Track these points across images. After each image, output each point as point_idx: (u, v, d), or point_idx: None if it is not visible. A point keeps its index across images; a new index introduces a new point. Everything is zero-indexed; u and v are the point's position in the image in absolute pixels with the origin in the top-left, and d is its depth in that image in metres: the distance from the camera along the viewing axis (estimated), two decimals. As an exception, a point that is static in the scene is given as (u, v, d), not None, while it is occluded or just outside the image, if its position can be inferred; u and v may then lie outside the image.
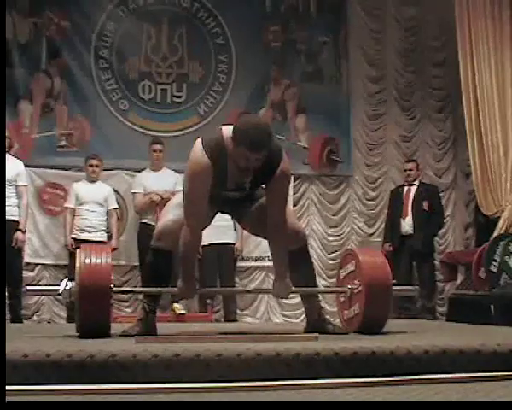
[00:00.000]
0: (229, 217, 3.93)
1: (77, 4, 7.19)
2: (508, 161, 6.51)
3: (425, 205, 6.88)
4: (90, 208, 6.38)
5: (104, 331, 3.11)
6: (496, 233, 6.36)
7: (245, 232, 5.15)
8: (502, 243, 5.97)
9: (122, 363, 2.33)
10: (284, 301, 6.84)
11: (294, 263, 3.46)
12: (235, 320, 6.56)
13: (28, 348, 2.39)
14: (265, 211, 3.29)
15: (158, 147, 6.61)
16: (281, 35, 7.60)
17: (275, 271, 3.47)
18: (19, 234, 5.87)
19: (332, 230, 7.68)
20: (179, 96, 7.35)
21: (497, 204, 6.55)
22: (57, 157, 6.98)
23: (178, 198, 3.43)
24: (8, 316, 5.88)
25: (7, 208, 5.77)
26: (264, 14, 7.61)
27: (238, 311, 6.96)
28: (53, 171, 6.92)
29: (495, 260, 5.87)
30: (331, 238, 7.65)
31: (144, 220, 6.46)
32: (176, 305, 6.13)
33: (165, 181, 6.47)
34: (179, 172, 5.89)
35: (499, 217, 6.51)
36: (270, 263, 3.61)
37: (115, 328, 3.29)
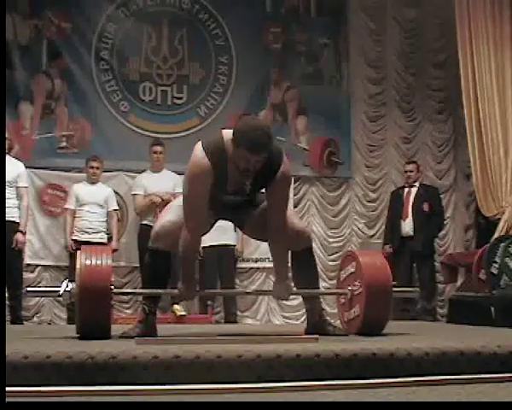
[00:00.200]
0: (230, 219, 3.92)
1: (77, 6, 7.19)
2: (508, 162, 6.52)
3: (425, 206, 6.88)
4: (90, 210, 6.38)
5: (104, 333, 3.11)
6: (496, 235, 6.37)
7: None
8: (502, 244, 5.97)
9: (122, 364, 2.33)
10: (284, 302, 6.85)
11: (298, 264, 3.46)
12: (235, 322, 6.56)
13: (28, 349, 2.39)
14: (266, 216, 3.29)
15: (158, 148, 6.60)
16: (281, 36, 7.61)
17: (275, 272, 3.47)
18: (19, 235, 5.87)
19: (332, 231, 7.68)
20: (180, 98, 7.35)
21: (498, 206, 6.55)
22: (57, 158, 6.98)
23: (178, 200, 3.43)
24: (8, 317, 5.88)
25: (7, 210, 5.77)
26: (265, 16, 7.62)
27: (238, 312, 6.96)
28: (53, 172, 6.92)
29: (495, 262, 5.87)
30: (331, 240, 7.66)
31: (145, 222, 6.46)
32: (176, 306, 6.13)
33: (165, 183, 6.47)
34: (179, 174, 5.89)
35: (499, 219, 6.51)
36: (271, 264, 3.62)
37: (115, 329, 3.29)
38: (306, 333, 3.53)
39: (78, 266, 3.16)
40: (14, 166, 5.94)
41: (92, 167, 6.46)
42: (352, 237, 7.72)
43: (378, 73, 7.90)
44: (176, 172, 6.38)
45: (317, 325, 3.52)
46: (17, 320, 5.87)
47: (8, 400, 1.95)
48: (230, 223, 4.09)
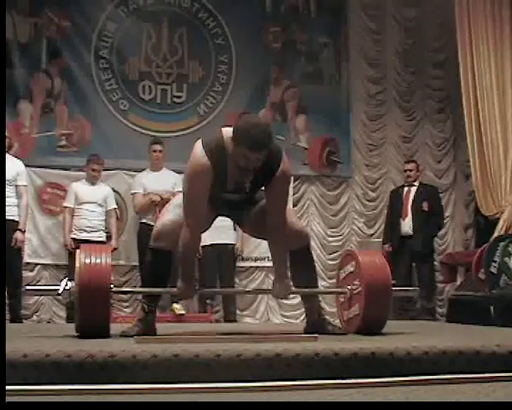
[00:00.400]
0: (229, 218, 3.92)
1: (77, 4, 7.19)
2: (508, 162, 6.51)
3: (425, 206, 6.88)
4: (89, 208, 6.38)
5: (104, 331, 3.10)
6: (495, 234, 6.36)
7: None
8: (501, 244, 5.96)
9: (121, 363, 2.33)
10: (284, 301, 6.84)
11: (296, 263, 3.46)
12: (234, 321, 6.56)
13: (28, 347, 2.39)
14: (265, 213, 3.29)
15: (158, 147, 6.61)
16: (281, 35, 7.61)
17: (274, 271, 3.47)
18: (18, 234, 5.87)
19: (332, 230, 7.68)
20: (179, 97, 7.35)
21: (497, 205, 6.55)
22: (57, 157, 6.98)
23: (178, 199, 3.43)
24: (7, 316, 5.88)
25: (6, 208, 5.77)
26: (265, 15, 7.61)
27: (238, 311, 6.95)
28: (53, 171, 6.92)
29: (494, 262, 5.87)
30: (331, 239, 7.66)
31: (144, 220, 6.46)
32: (175, 305, 6.13)
33: (164, 181, 6.47)
34: (179, 173, 5.89)
35: (499, 218, 6.51)
36: (270, 263, 3.61)
37: (115, 328, 3.29)
38: (306, 332, 3.53)
39: (77, 264, 3.16)
40: (13, 165, 5.94)
41: (94, 170, 6.46)
42: (352, 236, 7.72)
43: (378, 72, 7.90)
44: (175, 170, 6.38)
45: (316, 324, 3.51)
46: (16, 319, 5.87)
47: (7, 398, 1.95)
48: (230, 222, 4.10)
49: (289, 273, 3.49)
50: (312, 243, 7.27)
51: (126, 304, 6.95)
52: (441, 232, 7.48)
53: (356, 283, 3.49)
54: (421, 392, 2.29)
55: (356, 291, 3.49)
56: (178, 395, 2.23)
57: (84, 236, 6.26)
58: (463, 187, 7.93)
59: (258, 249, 6.98)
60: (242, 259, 7.14)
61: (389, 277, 3.46)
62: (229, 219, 3.78)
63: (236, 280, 7.06)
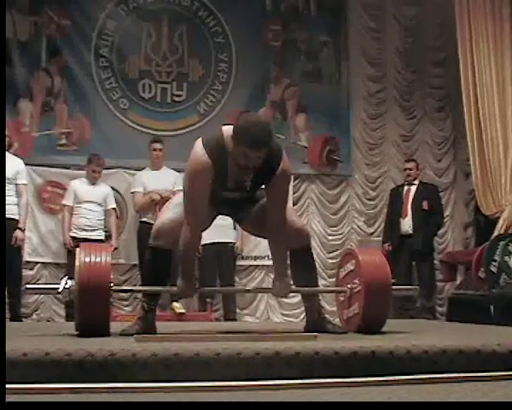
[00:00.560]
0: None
1: (77, 3, 7.20)
2: (508, 161, 6.52)
3: (425, 205, 6.88)
4: (88, 208, 6.38)
5: (103, 330, 3.10)
6: (495, 233, 6.37)
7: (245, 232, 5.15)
8: (501, 243, 5.97)
9: (121, 362, 2.33)
10: (284, 300, 6.84)
11: (296, 262, 3.46)
12: (234, 319, 6.56)
13: (27, 346, 2.39)
14: (265, 212, 3.29)
15: (158, 146, 6.60)
16: (281, 34, 7.61)
17: (274, 270, 3.47)
18: (18, 232, 5.87)
19: (332, 229, 7.69)
20: (179, 95, 7.35)
21: (497, 204, 6.55)
22: (57, 156, 6.98)
23: (178, 197, 3.43)
24: (7, 315, 5.87)
25: (6, 207, 5.76)
26: (265, 13, 7.61)
27: (238, 310, 6.96)
28: (53, 169, 6.92)
29: (494, 260, 5.87)
30: (331, 238, 7.66)
31: (144, 219, 6.46)
32: (175, 304, 6.13)
33: (164, 180, 6.46)
34: (179, 171, 5.90)
35: (499, 217, 6.51)
36: (270, 262, 3.61)
37: (114, 327, 3.28)
38: (305, 331, 3.53)
39: (77, 263, 3.16)
40: (13, 164, 5.93)
41: (94, 171, 6.45)
42: (352, 234, 7.72)
43: (378, 71, 7.90)
44: (175, 169, 6.38)
45: (316, 323, 3.51)
46: (16, 317, 5.87)
47: (7, 397, 1.95)
48: (230, 220, 4.10)
49: (289, 272, 3.49)
50: (312, 241, 7.23)
51: (126, 303, 6.96)
52: (441, 231, 7.47)
53: (356, 281, 3.49)
54: (420, 391, 2.28)
55: (356, 290, 3.49)
56: (178, 394, 2.22)
57: (83, 234, 6.26)
58: (463, 186, 7.94)
59: (258, 248, 6.97)
60: (242, 257, 7.14)
61: (389, 276, 3.46)
62: (229, 218, 3.78)
63: (236, 279, 7.06)
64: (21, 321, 5.94)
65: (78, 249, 3.26)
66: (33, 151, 6.87)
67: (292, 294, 4.02)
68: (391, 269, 3.51)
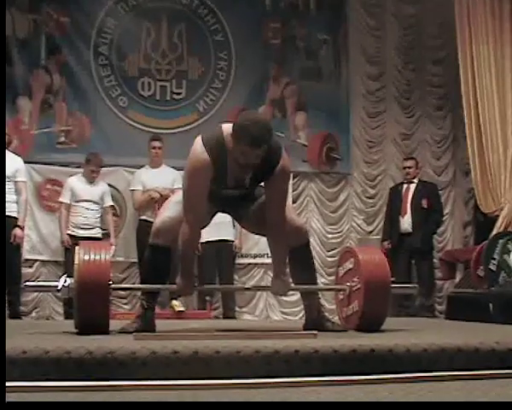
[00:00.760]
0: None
1: (76, 1, 7.19)
2: (507, 159, 6.51)
3: (424, 203, 6.88)
4: (86, 206, 6.37)
5: (103, 328, 3.10)
6: (495, 231, 6.37)
7: (244, 230, 5.15)
8: (501, 241, 5.96)
9: (121, 360, 2.33)
10: (283, 298, 6.85)
11: (295, 260, 3.46)
12: (233, 317, 6.57)
13: (27, 344, 2.39)
14: (265, 210, 3.29)
15: (157, 144, 6.60)
16: (280, 32, 7.60)
17: (273, 268, 3.47)
18: (17, 230, 5.86)
19: (331, 227, 7.69)
20: (179, 93, 7.34)
21: (496, 202, 6.55)
22: (56, 153, 6.98)
23: (177, 195, 3.43)
24: (6, 312, 5.87)
25: (6, 204, 5.76)
26: (264, 11, 7.60)
27: (237, 308, 6.96)
28: (52, 167, 6.92)
29: (494, 259, 5.87)
30: (330, 236, 7.66)
31: (143, 217, 6.46)
32: (175, 302, 6.13)
33: (164, 178, 6.46)
34: (178, 169, 5.90)
35: (498, 215, 6.51)
36: (269, 260, 3.61)
37: (114, 325, 3.28)
38: (305, 329, 3.52)
39: (76, 261, 3.16)
40: (12, 161, 5.92)
41: (93, 171, 6.45)
42: (351, 233, 7.72)
43: (377, 69, 7.90)
44: (175, 167, 6.38)
45: (315, 321, 3.51)
46: (15, 315, 5.87)
47: (7, 395, 1.95)
48: (229, 218, 4.10)
49: (288, 270, 3.49)
50: (311, 239, 7.25)
51: (125, 301, 6.96)
52: (440, 229, 7.48)
53: (355, 280, 3.49)
54: (420, 389, 2.28)
55: (355, 288, 3.49)
56: (177, 392, 2.22)
57: (80, 233, 6.25)
58: (463, 184, 7.93)
59: (258, 246, 6.97)
60: (241, 256, 7.14)
61: (388, 274, 3.46)
62: (228, 216, 3.78)
63: (235, 277, 7.06)
64: (20, 319, 5.94)
65: (77, 247, 3.26)
66: (32, 149, 6.87)
67: (291, 292, 4.02)
68: (390, 267, 3.51)
